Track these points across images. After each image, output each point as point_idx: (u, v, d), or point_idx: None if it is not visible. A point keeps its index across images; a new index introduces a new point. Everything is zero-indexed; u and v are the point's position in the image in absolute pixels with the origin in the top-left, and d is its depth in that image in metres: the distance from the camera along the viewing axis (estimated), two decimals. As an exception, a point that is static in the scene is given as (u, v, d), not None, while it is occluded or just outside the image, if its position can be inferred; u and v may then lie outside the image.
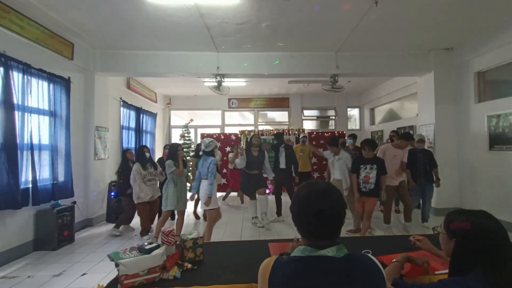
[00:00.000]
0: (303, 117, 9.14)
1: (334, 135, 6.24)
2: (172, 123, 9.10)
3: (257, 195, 4.37)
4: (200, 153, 3.42)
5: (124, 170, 4.20)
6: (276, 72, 5.17)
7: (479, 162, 4.49)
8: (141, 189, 3.76)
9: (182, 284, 1.28)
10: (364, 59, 5.13)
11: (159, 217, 4.35)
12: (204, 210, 4.60)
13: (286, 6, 3.46)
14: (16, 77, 3.27)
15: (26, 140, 3.35)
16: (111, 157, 5.29)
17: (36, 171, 3.47)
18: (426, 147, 4.41)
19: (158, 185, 4.07)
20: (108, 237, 4.07)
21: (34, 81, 3.56)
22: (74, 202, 4.09)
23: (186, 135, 7.99)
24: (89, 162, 4.69)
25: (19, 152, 3.22)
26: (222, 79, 5.11)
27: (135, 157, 4.15)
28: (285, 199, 4.91)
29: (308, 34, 4.31)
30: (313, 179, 5.76)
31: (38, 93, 3.64)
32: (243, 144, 6.90)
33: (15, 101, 3.19)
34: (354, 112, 9.60)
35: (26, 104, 3.36)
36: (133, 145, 6.21)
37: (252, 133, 7.10)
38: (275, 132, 7.01)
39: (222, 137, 7.30)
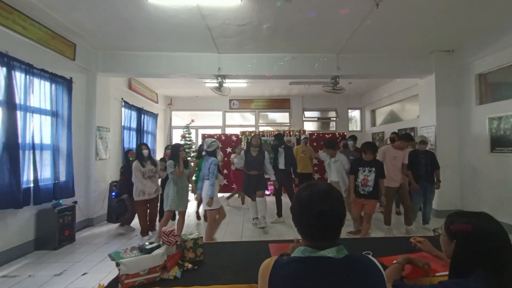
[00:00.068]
0: (304, 119, 9.14)
1: (330, 138, 6.19)
2: (173, 124, 9.12)
3: (256, 198, 4.33)
4: (203, 153, 3.44)
5: (126, 170, 4.21)
6: (277, 74, 5.17)
7: (480, 164, 4.47)
8: (144, 184, 3.74)
9: (182, 284, 1.28)
10: (365, 61, 5.14)
11: (160, 218, 4.37)
12: (205, 210, 4.62)
13: (287, 8, 3.47)
14: (19, 77, 3.29)
15: (28, 139, 3.37)
16: (112, 158, 5.31)
17: (37, 170, 3.49)
18: (428, 148, 4.39)
19: (159, 183, 4.06)
20: (109, 237, 4.07)
21: (36, 81, 3.58)
22: (75, 202, 4.10)
23: (187, 135, 8.01)
24: (90, 162, 4.71)
25: (21, 151, 3.23)
26: (223, 80, 5.12)
27: (135, 155, 4.19)
28: (286, 200, 4.91)
29: (309, 35, 4.32)
30: (313, 180, 5.75)
31: (40, 93, 3.66)
32: (244, 145, 6.91)
33: (17, 101, 3.20)
34: (355, 114, 9.59)
35: (28, 104, 3.38)
36: (134, 146, 6.22)
37: (253, 134, 7.10)
38: (275, 133, 7.01)
39: (223, 138, 7.31)
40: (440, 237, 1.03)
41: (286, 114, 9.29)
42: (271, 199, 5.15)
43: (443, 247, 1.02)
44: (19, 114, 3.23)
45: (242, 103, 9.02)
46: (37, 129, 3.58)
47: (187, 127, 8.14)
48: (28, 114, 3.37)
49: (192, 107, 9.03)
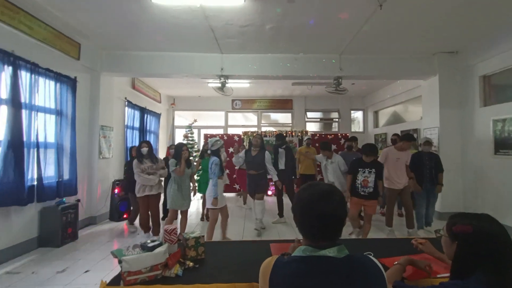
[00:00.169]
0: (306, 119, 9.14)
1: (326, 140, 6.18)
2: (176, 124, 9.16)
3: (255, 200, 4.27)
4: (209, 151, 3.46)
5: (129, 168, 4.23)
6: (280, 74, 5.18)
7: (484, 166, 4.44)
8: (145, 178, 3.70)
9: (183, 282, 1.29)
10: (368, 62, 5.13)
11: (164, 217, 4.38)
12: (207, 209, 4.62)
13: (290, 9, 3.48)
14: (24, 76, 3.33)
15: (32, 138, 3.41)
16: (115, 156, 5.34)
17: (41, 168, 3.52)
18: (431, 150, 4.34)
19: (160, 181, 3.98)
20: (111, 235, 4.10)
21: (41, 80, 3.62)
22: (78, 200, 4.14)
23: (189, 135, 8.04)
24: (93, 161, 4.75)
25: (25, 149, 3.27)
26: (226, 80, 5.14)
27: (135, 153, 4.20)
28: (287, 200, 4.90)
29: (312, 36, 4.32)
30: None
31: (45, 92, 3.70)
32: (246, 144, 6.91)
33: (22, 100, 3.24)
34: (357, 115, 9.57)
35: (33, 102, 3.42)
36: (137, 145, 6.26)
37: (254, 134, 7.11)
38: (277, 133, 7.01)
39: (225, 138, 7.33)
40: (441, 238, 1.03)
41: (289, 115, 9.29)
42: (272, 199, 5.15)
43: (444, 248, 1.02)
44: (24, 113, 3.27)
45: (244, 103, 9.04)
46: (42, 127, 3.62)
47: (189, 127, 8.17)
48: (33, 112, 3.41)
49: (194, 107, 9.07)
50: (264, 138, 7.11)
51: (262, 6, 3.42)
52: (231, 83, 5.41)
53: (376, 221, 4.64)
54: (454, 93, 4.95)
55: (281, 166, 4.68)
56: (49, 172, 3.75)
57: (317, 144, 7.08)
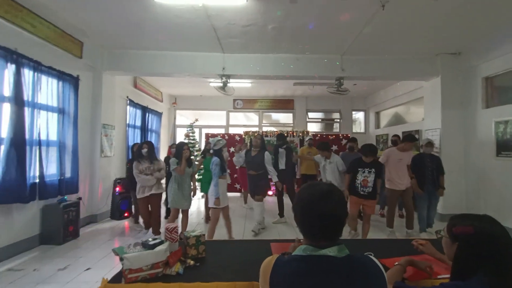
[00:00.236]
0: (307, 119, 9.13)
1: (324, 140, 6.14)
2: (177, 123, 9.18)
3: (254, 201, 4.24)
4: (211, 151, 3.47)
5: (132, 167, 4.23)
6: (281, 74, 5.18)
7: (486, 168, 4.43)
8: (142, 179, 3.71)
9: (184, 280, 1.30)
10: (370, 63, 5.12)
11: (166, 216, 4.39)
12: (209, 209, 4.62)
13: (292, 9, 3.48)
14: (27, 74, 3.34)
15: (35, 136, 3.42)
16: (116, 155, 5.36)
17: (43, 166, 3.54)
18: (433, 152, 4.32)
19: (159, 181, 3.96)
20: (112, 234, 4.12)
21: (44, 78, 3.64)
22: (80, 198, 4.16)
23: (190, 134, 8.05)
24: (95, 159, 4.76)
25: (28, 147, 3.29)
26: (228, 80, 5.15)
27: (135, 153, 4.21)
28: (287, 200, 4.90)
29: (314, 36, 4.32)
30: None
31: (48, 90, 3.72)
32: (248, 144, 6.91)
33: (25, 98, 3.26)
34: (359, 115, 9.55)
35: (35, 100, 3.44)
36: (138, 142, 6.29)
37: (255, 134, 7.11)
38: (277, 133, 7.00)
39: (226, 137, 7.33)
40: (442, 239, 1.03)
41: (290, 115, 9.29)
42: (273, 199, 5.16)
43: (445, 249, 1.02)
44: (26, 111, 3.29)
45: (246, 103, 9.04)
46: (44, 125, 3.64)
47: (191, 126, 8.19)
48: (35, 110, 3.43)
49: (196, 106, 9.08)
50: (266, 138, 7.14)
51: (264, 6, 3.42)
52: (233, 83, 5.42)
53: (375, 221, 4.64)
54: (456, 95, 4.93)
55: (282, 166, 4.68)
56: (51, 170, 3.77)
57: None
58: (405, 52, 4.94)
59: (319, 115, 9.43)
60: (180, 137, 8.59)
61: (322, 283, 0.80)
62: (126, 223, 4.72)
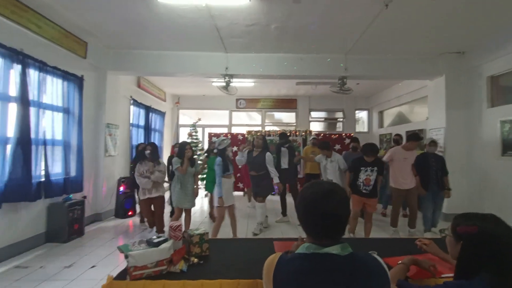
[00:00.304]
0: (310, 119, 9.11)
1: (324, 139, 6.11)
2: (180, 122, 9.21)
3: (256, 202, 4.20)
4: (215, 151, 3.48)
5: (135, 166, 4.26)
6: (284, 74, 5.18)
7: (490, 168, 4.39)
8: (140, 181, 3.72)
9: (188, 278, 1.31)
10: (373, 62, 5.09)
11: (171, 214, 4.41)
12: (212, 208, 4.65)
13: (296, 8, 3.47)
14: (32, 74, 3.38)
15: (40, 135, 3.46)
16: (120, 154, 5.41)
17: (49, 165, 3.58)
18: (436, 151, 4.29)
19: (158, 183, 3.87)
20: (116, 232, 4.16)
21: (49, 78, 3.68)
22: (85, 197, 4.20)
23: (193, 134, 8.08)
24: (99, 158, 4.81)
25: (33, 146, 3.33)
26: (230, 80, 5.16)
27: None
28: (290, 199, 4.90)
29: (317, 36, 4.31)
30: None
31: (53, 90, 3.76)
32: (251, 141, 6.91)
33: (30, 98, 3.30)
34: (362, 115, 9.51)
35: (41, 100, 3.48)
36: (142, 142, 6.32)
37: (258, 134, 7.12)
38: (280, 132, 6.99)
39: (229, 136, 7.35)
40: (446, 238, 1.03)
41: (293, 114, 9.27)
42: (276, 198, 5.16)
43: (449, 248, 1.02)
44: (32, 110, 3.33)
45: (248, 103, 9.05)
46: (49, 125, 3.68)
47: (194, 125, 8.21)
48: (40, 110, 3.47)
49: (199, 106, 9.10)
50: (268, 138, 7.13)
51: (267, 6, 3.42)
52: (236, 83, 5.43)
53: (378, 221, 4.63)
54: (461, 94, 4.89)
55: (284, 165, 4.67)
56: (56, 169, 3.81)
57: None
58: (408, 52, 4.91)
59: (322, 114, 9.40)
60: (183, 137, 8.62)
61: (325, 281, 0.80)
62: (130, 221, 4.76)
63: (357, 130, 9.12)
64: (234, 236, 3.57)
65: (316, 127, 9.30)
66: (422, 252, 1.54)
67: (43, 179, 3.52)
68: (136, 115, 6.26)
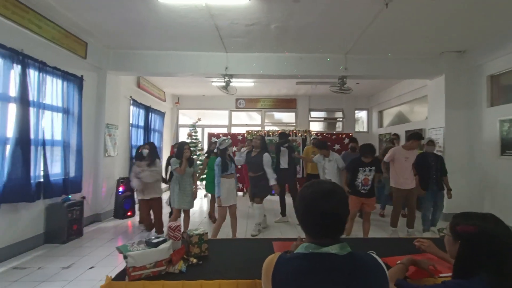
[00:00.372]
0: (310, 119, 9.11)
1: (322, 140, 6.11)
2: (180, 122, 9.21)
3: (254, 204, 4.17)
4: (215, 150, 3.47)
5: None
6: (284, 73, 5.18)
7: (490, 167, 4.39)
8: (133, 183, 3.70)
9: (187, 278, 1.31)
10: (373, 62, 5.09)
11: (170, 216, 4.40)
12: (211, 209, 4.63)
13: (296, 8, 3.48)
14: (32, 74, 3.38)
15: (40, 135, 3.46)
16: (120, 155, 5.40)
17: (48, 165, 3.58)
18: (435, 151, 4.29)
19: (153, 185, 3.79)
20: (116, 233, 4.15)
21: (48, 78, 3.68)
22: (84, 197, 4.20)
23: (193, 134, 8.08)
24: (99, 159, 4.80)
25: (33, 147, 3.33)
26: (230, 80, 5.16)
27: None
28: (289, 199, 4.90)
29: (318, 35, 4.31)
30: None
31: (52, 90, 3.75)
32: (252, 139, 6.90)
33: (30, 98, 3.30)
34: (362, 115, 9.51)
35: (40, 101, 3.47)
36: (141, 143, 6.32)
37: (257, 134, 7.12)
38: (279, 132, 6.99)
39: (229, 137, 7.34)
40: (444, 237, 1.03)
41: (292, 114, 9.27)
42: (275, 198, 5.16)
43: (447, 247, 1.02)
44: (32, 111, 3.32)
45: (248, 103, 9.05)
46: (49, 125, 3.68)
47: (193, 125, 8.21)
48: (40, 110, 3.46)
49: (198, 106, 9.10)
50: (268, 138, 7.14)
51: (267, 5, 3.42)
52: (235, 82, 5.42)
53: (376, 220, 4.63)
54: (461, 93, 4.89)
55: (284, 165, 4.65)
56: (56, 169, 3.81)
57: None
58: (408, 51, 4.91)
59: (321, 114, 9.40)
60: (183, 137, 8.62)
61: (324, 280, 0.80)
62: (129, 222, 4.75)
63: (356, 130, 9.12)
64: (233, 236, 3.56)
65: (316, 127, 9.31)
66: (421, 252, 1.54)
67: (42, 180, 3.51)
68: (135, 115, 6.25)
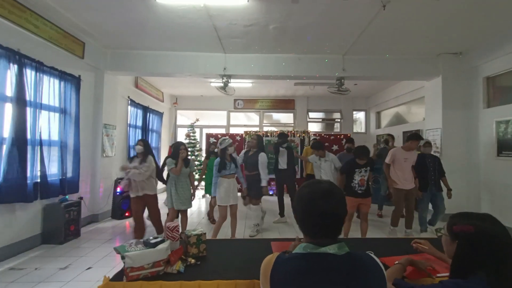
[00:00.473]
0: (308, 119, 9.13)
1: (317, 140, 6.13)
2: (178, 123, 9.20)
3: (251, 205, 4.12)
4: (216, 150, 3.45)
5: None
6: (282, 74, 5.18)
7: (487, 168, 4.42)
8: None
9: (185, 278, 1.30)
10: (371, 63, 5.12)
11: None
12: (210, 210, 4.62)
13: (294, 9, 3.49)
14: (29, 74, 3.36)
15: (37, 135, 3.44)
16: (117, 155, 5.38)
17: (45, 166, 3.56)
18: (432, 152, 4.32)
19: (147, 182, 3.59)
20: (113, 233, 4.13)
21: (46, 78, 3.65)
22: (81, 198, 4.17)
23: (191, 134, 8.07)
24: (96, 159, 4.78)
25: (29, 147, 3.31)
26: (229, 80, 5.16)
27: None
28: (287, 200, 4.90)
29: (316, 36, 4.32)
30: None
31: (50, 90, 3.73)
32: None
33: (27, 98, 3.28)
34: (360, 115, 9.55)
35: (37, 100, 3.45)
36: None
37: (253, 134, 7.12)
38: (278, 133, 6.99)
39: (228, 137, 7.33)
40: (442, 237, 1.04)
41: (291, 115, 9.29)
42: (274, 199, 5.16)
43: (444, 247, 1.02)
44: (28, 111, 3.30)
45: (246, 103, 9.05)
46: (46, 125, 3.65)
47: (191, 126, 8.20)
48: (37, 110, 3.44)
49: (197, 106, 9.09)
50: (266, 138, 7.14)
51: (266, 6, 3.43)
52: (234, 83, 5.42)
53: (374, 221, 4.64)
54: (458, 94, 4.93)
55: (283, 165, 4.65)
56: (53, 169, 3.78)
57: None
58: (406, 52, 4.94)
59: (320, 115, 9.43)
60: (181, 137, 8.61)
61: (322, 280, 0.80)
62: (127, 222, 4.73)
63: (354, 130, 9.15)
64: (232, 236, 3.56)
65: (314, 127, 9.33)
66: (418, 252, 1.55)
67: (39, 180, 3.49)
68: (133, 115, 6.23)
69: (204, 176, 5.02)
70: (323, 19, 3.76)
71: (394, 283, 1.05)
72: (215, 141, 6.48)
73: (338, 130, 9.17)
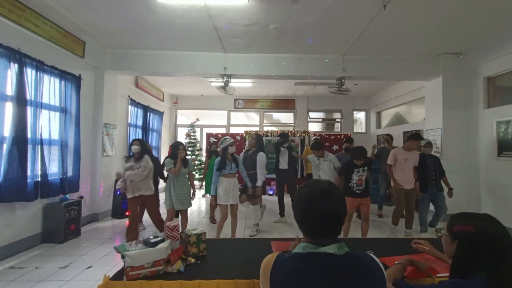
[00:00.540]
0: (308, 119, 9.13)
1: (318, 141, 6.11)
2: (178, 122, 9.20)
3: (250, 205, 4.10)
4: (218, 149, 3.45)
5: None
6: (282, 74, 5.18)
7: (487, 168, 4.42)
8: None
9: (185, 278, 1.31)
10: (371, 63, 5.12)
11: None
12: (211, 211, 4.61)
13: (294, 9, 3.48)
14: (30, 73, 3.36)
15: (37, 135, 3.44)
16: (118, 154, 5.38)
17: (45, 165, 3.56)
18: (433, 152, 4.31)
19: (143, 182, 3.54)
20: (114, 232, 4.14)
21: (46, 77, 3.66)
22: (81, 197, 4.18)
23: (191, 134, 8.07)
24: (97, 158, 4.79)
25: (30, 146, 3.31)
26: (229, 80, 5.16)
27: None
28: (288, 200, 4.90)
29: (316, 36, 4.32)
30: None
31: (50, 89, 3.73)
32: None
33: (28, 97, 3.28)
34: (360, 115, 9.55)
35: (38, 100, 3.46)
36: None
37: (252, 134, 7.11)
38: (278, 132, 7.00)
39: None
40: (442, 237, 1.04)
41: (291, 115, 9.29)
42: (274, 199, 5.16)
43: (444, 247, 1.02)
44: (29, 110, 3.31)
45: (247, 103, 9.06)
46: (46, 124, 3.66)
47: (192, 125, 8.20)
48: (37, 109, 3.45)
49: (197, 106, 9.10)
50: (266, 138, 7.15)
51: (266, 6, 3.43)
52: (234, 83, 5.42)
53: (373, 221, 4.64)
54: (458, 95, 4.92)
55: (283, 165, 4.65)
56: (53, 168, 3.78)
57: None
58: (406, 52, 4.93)
59: (320, 115, 9.43)
60: (181, 137, 8.61)
61: (322, 280, 0.80)
62: (127, 221, 4.72)
63: (355, 130, 9.15)
64: (232, 235, 3.56)
65: (314, 127, 9.33)
66: (418, 252, 1.55)
67: (39, 179, 3.49)
68: (134, 115, 6.24)
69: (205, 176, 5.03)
70: (323, 19, 3.75)
71: (394, 283, 1.05)
72: (216, 140, 6.50)
73: (339, 130, 9.17)
